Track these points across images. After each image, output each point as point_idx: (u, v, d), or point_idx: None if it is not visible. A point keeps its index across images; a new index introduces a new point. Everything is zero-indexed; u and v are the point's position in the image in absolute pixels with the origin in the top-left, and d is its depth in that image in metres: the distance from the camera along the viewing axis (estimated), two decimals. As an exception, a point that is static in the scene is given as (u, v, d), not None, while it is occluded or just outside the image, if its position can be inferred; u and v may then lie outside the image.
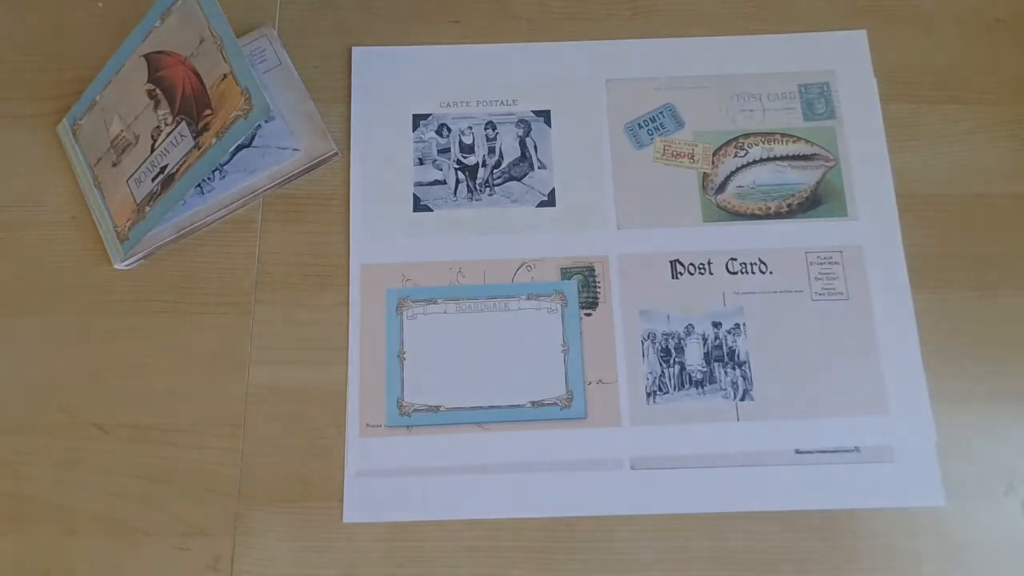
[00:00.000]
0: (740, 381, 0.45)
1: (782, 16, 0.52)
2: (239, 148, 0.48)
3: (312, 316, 0.46)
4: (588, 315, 0.46)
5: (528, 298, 0.47)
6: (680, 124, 0.50)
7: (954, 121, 0.50)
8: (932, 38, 0.51)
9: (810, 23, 0.51)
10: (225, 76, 0.44)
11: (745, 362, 0.45)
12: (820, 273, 0.47)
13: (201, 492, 0.43)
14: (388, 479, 0.43)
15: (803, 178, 0.49)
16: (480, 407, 0.45)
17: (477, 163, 0.49)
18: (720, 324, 0.46)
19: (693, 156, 0.49)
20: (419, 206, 0.48)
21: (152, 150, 0.46)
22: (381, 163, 0.49)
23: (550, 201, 0.48)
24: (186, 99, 0.46)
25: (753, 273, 0.47)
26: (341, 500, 0.43)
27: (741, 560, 0.42)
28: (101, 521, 0.43)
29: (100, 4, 0.52)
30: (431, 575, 0.42)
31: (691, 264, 0.47)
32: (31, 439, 0.44)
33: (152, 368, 0.45)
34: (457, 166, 0.49)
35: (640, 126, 0.50)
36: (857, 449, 0.44)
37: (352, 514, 0.43)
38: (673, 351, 0.46)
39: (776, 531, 0.42)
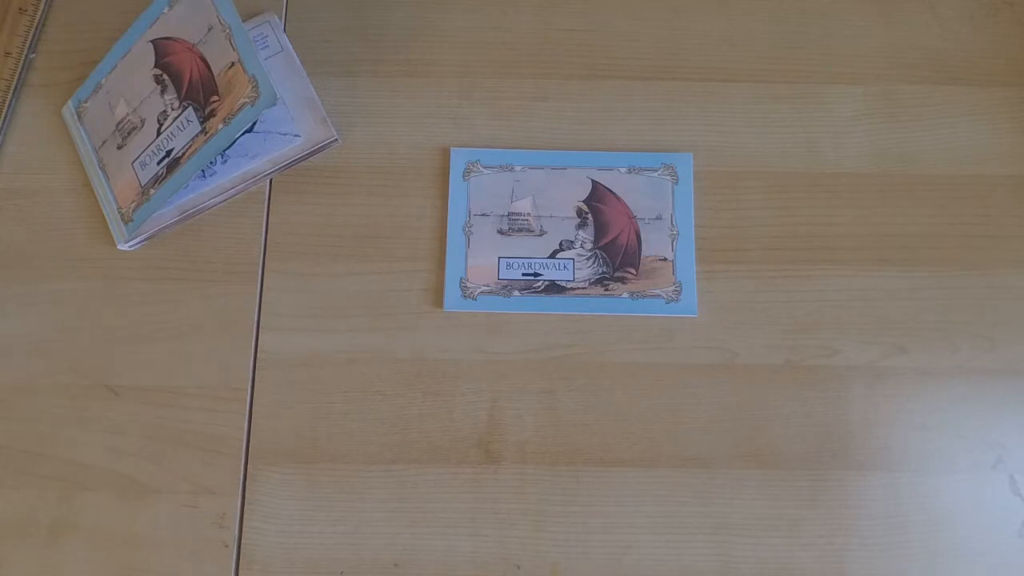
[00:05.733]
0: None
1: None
2: (241, 133, 0.55)
3: (323, 285, 0.51)
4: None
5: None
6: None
7: (957, 102, 0.55)
8: (937, 19, 0.57)
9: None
10: (233, 64, 0.50)
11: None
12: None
13: (209, 453, 0.48)
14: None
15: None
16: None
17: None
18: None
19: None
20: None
21: (158, 134, 0.52)
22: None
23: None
24: (193, 85, 0.51)
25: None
26: (349, 461, 0.48)
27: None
28: (111, 478, 0.47)
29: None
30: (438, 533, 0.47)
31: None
32: (45, 398, 0.49)
33: (162, 333, 0.50)
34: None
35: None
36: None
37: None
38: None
39: (765, 496, 0.48)
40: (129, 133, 0.53)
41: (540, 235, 0.53)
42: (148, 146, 0.52)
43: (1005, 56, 0.57)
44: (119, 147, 0.53)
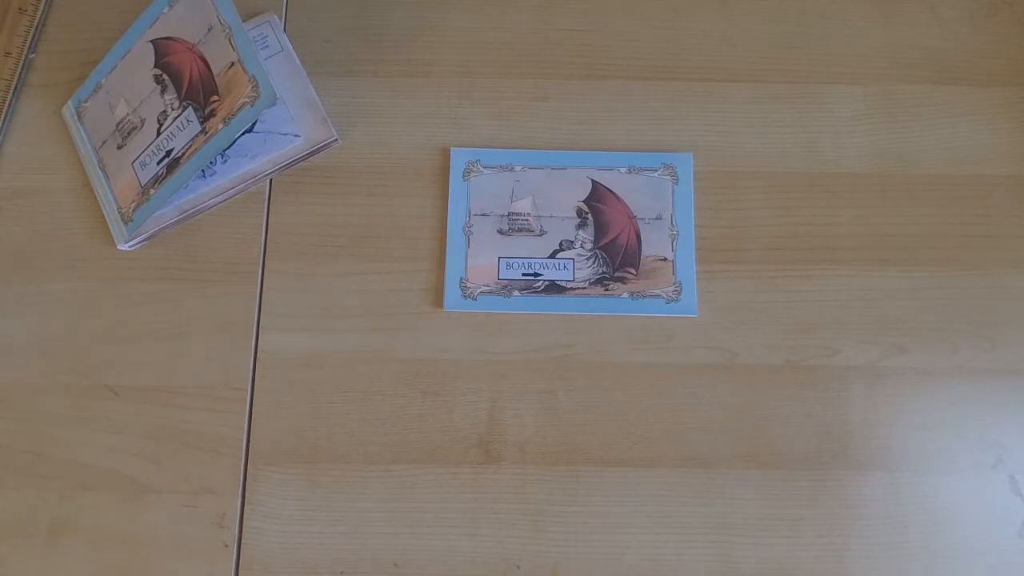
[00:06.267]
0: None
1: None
2: (241, 133, 0.55)
3: (323, 285, 0.52)
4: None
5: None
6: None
7: (957, 102, 0.55)
8: (937, 19, 0.58)
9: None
10: (232, 64, 0.50)
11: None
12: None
13: (209, 453, 0.48)
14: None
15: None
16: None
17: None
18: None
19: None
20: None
21: (158, 134, 0.52)
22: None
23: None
24: (193, 85, 0.52)
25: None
26: (349, 461, 0.49)
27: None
28: (111, 478, 0.48)
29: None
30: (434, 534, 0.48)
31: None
32: (45, 398, 0.49)
33: (162, 333, 0.51)
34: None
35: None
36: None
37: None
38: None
39: (765, 496, 0.48)
40: (129, 133, 0.54)
41: (540, 235, 0.53)
42: (148, 146, 0.53)
43: (1005, 56, 0.57)
44: (119, 147, 0.54)
